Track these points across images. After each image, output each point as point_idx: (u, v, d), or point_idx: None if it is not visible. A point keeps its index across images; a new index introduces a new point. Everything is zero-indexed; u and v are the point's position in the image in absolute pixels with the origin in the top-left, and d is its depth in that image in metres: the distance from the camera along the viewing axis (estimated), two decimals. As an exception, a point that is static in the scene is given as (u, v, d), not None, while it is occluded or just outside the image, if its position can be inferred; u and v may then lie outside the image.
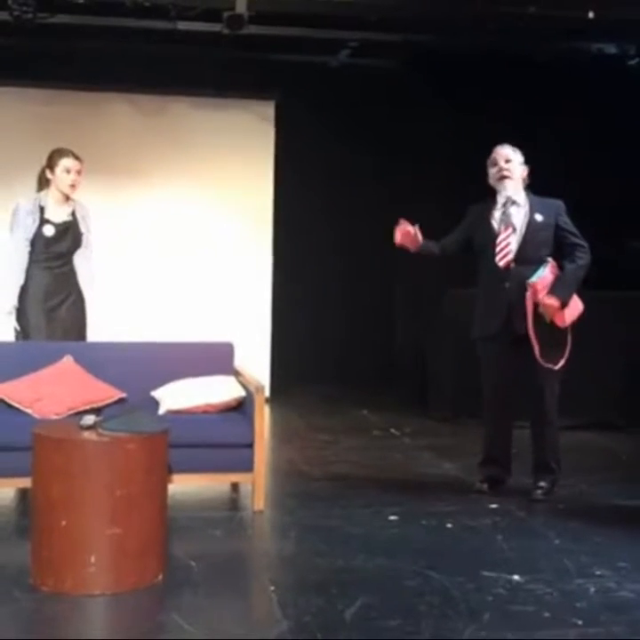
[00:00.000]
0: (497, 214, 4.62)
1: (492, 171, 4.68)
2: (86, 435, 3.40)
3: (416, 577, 3.49)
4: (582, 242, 4.58)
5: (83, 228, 5.09)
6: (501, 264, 4.53)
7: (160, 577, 3.41)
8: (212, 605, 3.23)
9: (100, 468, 3.30)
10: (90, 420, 3.51)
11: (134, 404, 4.32)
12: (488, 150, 7.91)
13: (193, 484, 4.46)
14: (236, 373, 4.74)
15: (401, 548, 3.86)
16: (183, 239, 7.42)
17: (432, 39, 6.90)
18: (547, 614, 3.17)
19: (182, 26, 6.42)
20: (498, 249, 4.54)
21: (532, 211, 4.59)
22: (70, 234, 5.04)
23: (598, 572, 3.58)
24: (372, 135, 7.91)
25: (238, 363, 4.84)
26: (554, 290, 4.45)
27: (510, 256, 4.53)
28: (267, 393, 5.61)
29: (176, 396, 4.50)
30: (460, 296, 6.78)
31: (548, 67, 7.34)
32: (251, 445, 4.29)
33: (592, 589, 3.41)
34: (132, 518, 3.32)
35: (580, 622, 3.11)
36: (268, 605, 3.26)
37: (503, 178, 4.62)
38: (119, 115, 7.32)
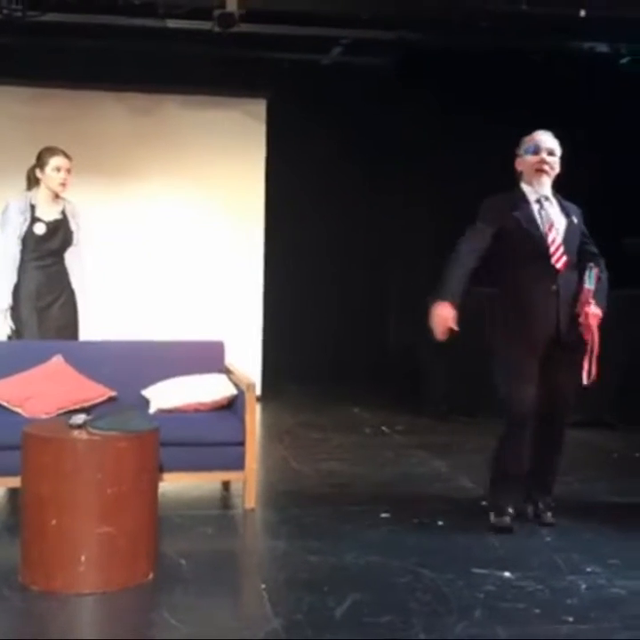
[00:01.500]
0: (535, 210, 4.11)
1: (531, 159, 4.14)
2: (76, 434, 3.39)
3: (407, 574, 3.49)
4: (597, 251, 4.22)
5: (73, 226, 5.08)
6: (559, 265, 4.02)
7: (151, 575, 3.41)
8: (203, 603, 3.22)
9: (90, 467, 3.29)
10: (80, 418, 3.50)
11: (125, 403, 4.32)
12: (479, 148, 7.94)
13: (184, 483, 4.45)
14: (228, 371, 4.73)
15: (392, 545, 3.86)
16: (175, 238, 7.41)
17: (424, 37, 6.89)
18: (537, 611, 3.17)
19: (173, 24, 6.39)
20: (553, 249, 4.02)
21: (565, 213, 4.16)
22: (61, 232, 5.03)
23: (589, 569, 3.59)
24: (364, 133, 7.91)
25: (229, 361, 4.83)
26: (598, 300, 4.05)
27: (565, 257, 4.04)
28: (258, 391, 5.61)
29: (167, 394, 4.49)
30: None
31: (540, 65, 7.35)
32: (242, 443, 4.28)
33: (583, 586, 3.41)
34: (123, 517, 3.31)
35: (570, 619, 3.11)
36: (258, 603, 3.25)
37: (542, 172, 4.12)
38: (109, 113, 7.29)
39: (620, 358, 6.56)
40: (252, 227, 7.53)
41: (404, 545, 3.87)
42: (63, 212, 5.05)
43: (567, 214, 4.14)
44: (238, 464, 4.28)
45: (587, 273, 4.05)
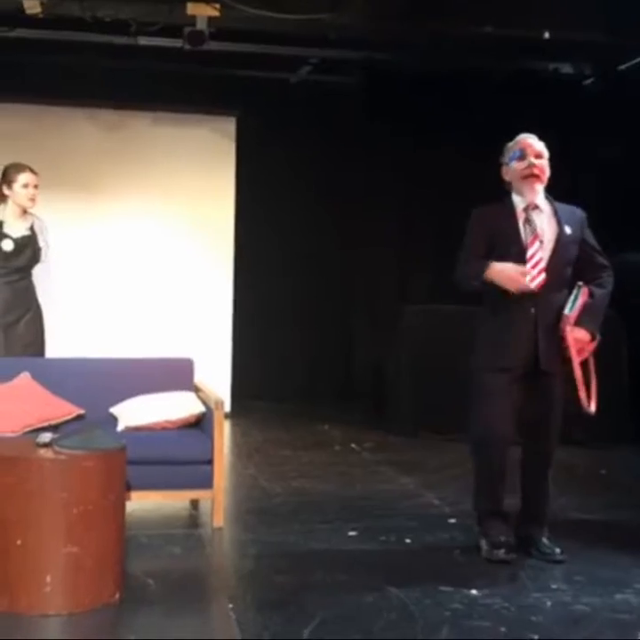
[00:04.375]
0: (520, 222, 3.81)
1: (519, 166, 3.84)
2: (42, 452, 3.36)
3: (374, 593, 3.50)
4: (607, 262, 3.90)
5: (41, 243, 5.07)
6: (534, 285, 3.71)
7: (117, 596, 3.38)
8: (170, 624, 3.21)
9: (56, 486, 3.26)
10: (46, 437, 3.48)
11: (93, 421, 4.30)
12: (447, 165, 8.01)
13: (152, 501, 4.42)
14: (196, 389, 4.73)
15: (360, 564, 3.87)
16: (143, 255, 7.40)
17: (390, 57, 6.98)
18: (503, 629, 3.19)
19: (143, 41, 6.41)
20: (530, 266, 3.72)
21: (560, 220, 3.82)
22: (29, 248, 5.01)
23: (554, 586, 3.62)
24: (332, 151, 7.96)
25: (198, 379, 4.83)
26: (584, 320, 3.73)
27: (543, 276, 3.72)
28: (227, 409, 5.60)
29: (135, 412, 4.48)
30: (415, 312, 6.85)
31: (506, 85, 7.45)
32: (210, 462, 4.27)
33: (548, 603, 3.44)
34: (89, 536, 3.28)
35: (536, 637, 3.13)
36: (226, 623, 3.24)
37: (533, 177, 3.80)
38: (78, 129, 7.28)
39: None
40: (222, 244, 7.53)
41: (371, 563, 3.88)
42: (31, 229, 5.04)
43: (559, 224, 3.81)
44: (206, 482, 4.27)
45: (573, 294, 3.78)
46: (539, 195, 3.85)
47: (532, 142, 3.90)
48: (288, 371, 8.03)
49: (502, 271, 3.72)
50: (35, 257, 5.03)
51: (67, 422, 4.36)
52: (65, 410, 4.43)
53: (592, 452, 6.24)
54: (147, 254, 7.40)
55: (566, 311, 3.73)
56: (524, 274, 3.70)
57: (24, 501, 3.24)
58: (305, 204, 8.01)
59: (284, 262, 8.00)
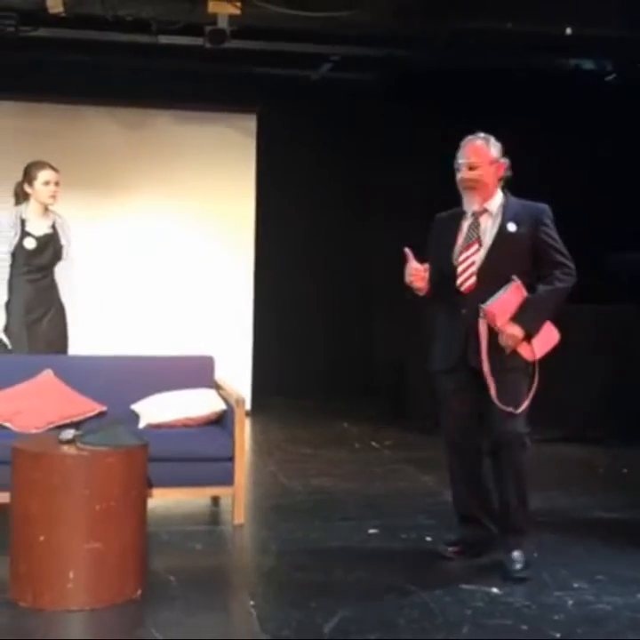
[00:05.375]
0: (465, 226, 3.81)
1: (457, 176, 3.84)
2: (65, 449, 3.40)
3: (395, 591, 3.50)
4: (567, 260, 3.76)
5: (63, 241, 5.09)
6: (462, 288, 3.72)
7: (139, 592, 3.40)
8: (191, 620, 3.22)
9: (78, 483, 3.29)
10: (69, 434, 3.50)
11: (114, 418, 4.32)
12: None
13: (173, 498, 4.45)
14: (217, 386, 4.74)
15: (380, 561, 3.87)
16: (165, 252, 7.43)
17: (411, 54, 6.96)
18: (524, 627, 3.19)
19: (164, 40, 6.44)
20: (460, 269, 3.73)
21: (504, 219, 3.76)
22: (51, 246, 5.04)
23: (576, 585, 3.61)
24: (353, 148, 7.96)
25: (219, 376, 4.84)
26: (518, 316, 3.65)
27: (473, 279, 3.71)
28: (247, 406, 5.62)
29: (156, 409, 4.50)
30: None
31: (527, 82, 7.42)
32: (231, 459, 4.29)
33: (570, 602, 3.43)
34: (112, 533, 3.31)
35: (557, 635, 3.12)
36: (247, 620, 3.26)
37: (466, 188, 3.79)
38: (100, 128, 7.32)
39: (604, 373, 6.61)
40: (243, 241, 7.55)
41: (392, 561, 3.88)
42: (53, 227, 5.07)
43: (502, 222, 3.74)
44: (227, 479, 4.29)
45: (502, 289, 3.67)
46: (476, 203, 3.78)
47: (468, 150, 3.80)
48: (308, 368, 8.03)
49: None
50: (57, 255, 5.06)
51: (89, 419, 4.38)
52: (87, 407, 4.46)
53: (612, 451, 6.22)
54: (168, 252, 7.43)
55: (485, 303, 3.66)
56: (410, 270, 3.75)
57: (47, 497, 3.27)
58: (325, 200, 8.01)
59: (305, 259, 8.01)
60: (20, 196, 5.03)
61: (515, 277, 3.69)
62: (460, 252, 3.77)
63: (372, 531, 4.30)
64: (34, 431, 4.22)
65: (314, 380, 8.01)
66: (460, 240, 3.79)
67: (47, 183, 4.98)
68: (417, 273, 3.75)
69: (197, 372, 4.75)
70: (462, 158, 3.80)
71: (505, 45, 6.45)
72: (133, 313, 7.22)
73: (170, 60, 6.94)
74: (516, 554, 3.71)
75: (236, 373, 6.38)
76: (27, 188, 5.01)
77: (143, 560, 3.50)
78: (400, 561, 3.88)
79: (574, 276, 3.76)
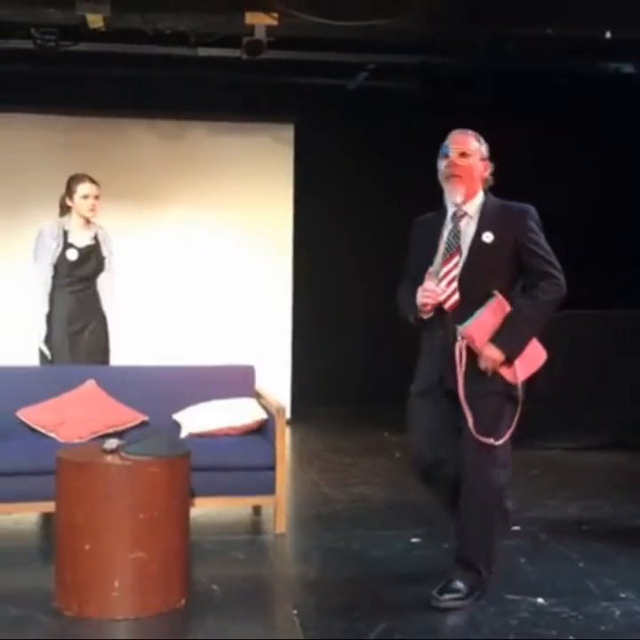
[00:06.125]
0: (445, 233, 3.45)
1: (441, 165, 3.50)
2: (109, 458, 3.42)
3: (439, 600, 3.47)
4: (554, 270, 3.36)
5: (105, 252, 5.14)
6: (446, 306, 3.36)
7: (183, 601, 3.42)
8: (236, 629, 3.23)
9: (122, 492, 3.31)
10: (113, 443, 3.53)
11: (157, 428, 4.35)
12: (507, 169, 7.92)
13: (214, 508, 4.46)
14: (257, 396, 4.76)
15: (423, 571, 3.84)
16: (204, 263, 7.47)
17: (449, 61, 6.94)
18: (571, 638, 3.15)
19: (202, 52, 6.49)
20: (444, 284, 3.36)
21: (480, 225, 3.39)
22: (93, 258, 5.09)
23: (623, 595, 3.55)
24: (390, 157, 7.94)
25: (259, 385, 4.86)
26: (497, 337, 3.28)
27: (456, 296, 3.34)
28: (287, 415, 5.62)
29: (198, 419, 4.52)
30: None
31: (566, 86, 7.36)
32: (272, 468, 4.29)
33: (617, 612, 3.38)
34: (155, 542, 3.33)
35: (605, 646, 3.09)
36: (291, 629, 3.26)
37: (453, 177, 3.44)
38: (140, 140, 7.40)
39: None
40: (281, 251, 7.57)
41: (435, 570, 3.84)
42: (95, 238, 5.12)
43: (480, 231, 3.39)
44: (269, 489, 4.29)
45: (481, 307, 3.31)
46: (459, 196, 3.43)
47: (460, 138, 3.51)
48: (348, 376, 8.01)
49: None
50: (99, 266, 5.12)
51: (131, 429, 4.42)
52: (129, 416, 4.50)
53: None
54: (207, 262, 7.48)
55: (463, 324, 3.29)
56: (427, 292, 3.36)
57: (92, 506, 3.30)
58: (363, 209, 8.00)
59: (343, 268, 8.00)
60: (64, 209, 5.09)
61: (496, 293, 3.33)
62: (442, 265, 3.39)
63: (414, 540, 4.28)
64: (78, 441, 4.26)
65: (353, 388, 7.99)
66: (441, 248, 3.44)
67: (86, 197, 5.03)
68: (434, 295, 3.36)
69: (238, 382, 4.77)
70: (454, 145, 3.49)
71: (544, 50, 6.40)
72: (174, 323, 7.27)
73: (208, 71, 6.99)
74: (459, 584, 3.40)
75: (277, 382, 6.40)
76: (68, 202, 5.07)
77: (187, 569, 3.51)
78: (443, 570, 3.83)
79: (562, 287, 3.37)
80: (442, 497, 3.63)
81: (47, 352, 4.96)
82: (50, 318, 4.99)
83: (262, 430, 4.54)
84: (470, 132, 3.57)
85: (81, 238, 5.08)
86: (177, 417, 4.57)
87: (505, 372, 3.33)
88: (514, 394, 3.37)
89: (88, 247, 5.09)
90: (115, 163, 7.00)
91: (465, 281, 3.35)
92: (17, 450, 4.20)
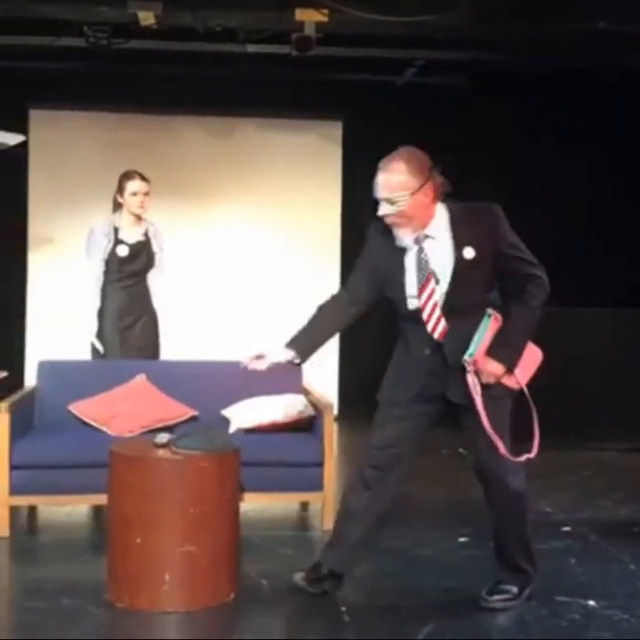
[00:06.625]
0: (412, 256, 3.25)
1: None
2: (161, 453, 3.45)
3: (488, 600, 3.45)
4: (535, 269, 3.25)
5: (156, 248, 5.19)
6: (436, 336, 3.24)
7: (232, 595, 3.44)
8: (284, 625, 3.25)
9: (173, 486, 3.34)
10: (164, 438, 3.56)
11: (208, 422, 4.38)
12: (558, 169, 7.83)
13: (262, 503, 4.48)
14: (305, 392, 4.77)
15: (471, 570, 3.83)
16: (251, 259, 7.50)
17: (498, 57, 6.87)
18: (624, 641, 3.12)
19: (251, 48, 6.51)
20: (425, 315, 3.22)
21: (458, 243, 3.19)
22: (144, 253, 5.14)
23: (677, 599, 3.51)
24: (439, 153, 7.87)
25: (307, 381, 4.86)
26: (494, 351, 3.19)
27: (443, 323, 3.21)
28: (335, 411, 5.62)
29: (246, 414, 4.54)
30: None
31: (619, 84, 7.24)
32: (320, 464, 4.30)
33: (670, 616, 3.34)
34: (205, 536, 3.35)
35: (658, 650, 3.04)
36: (339, 626, 3.26)
37: (392, 224, 3.26)
38: (189, 137, 7.45)
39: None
40: (329, 247, 7.57)
41: (483, 570, 3.81)
42: (146, 234, 5.17)
43: (457, 248, 3.20)
44: (316, 485, 4.30)
45: (480, 327, 3.20)
46: (408, 236, 3.24)
47: (381, 181, 3.25)
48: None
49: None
50: (149, 262, 5.16)
51: (181, 423, 4.45)
52: (179, 411, 4.54)
53: None
54: (254, 258, 7.50)
55: (468, 353, 3.18)
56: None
57: (143, 500, 3.33)
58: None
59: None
60: (116, 205, 5.14)
61: (491, 311, 3.22)
62: (419, 293, 3.23)
63: (461, 539, 4.25)
64: (128, 435, 4.31)
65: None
66: (411, 274, 3.25)
67: (134, 194, 5.07)
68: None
69: (286, 378, 4.76)
70: (378, 193, 3.24)
71: (596, 46, 6.30)
72: (223, 319, 7.32)
73: (257, 68, 7.01)
74: (508, 585, 3.42)
75: (324, 379, 6.40)
76: (119, 198, 5.12)
77: (236, 564, 3.53)
78: (491, 570, 3.81)
79: (547, 285, 3.26)
80: (377, 504, 3.45)
81: (99, 347, 5.03)
82: (101, 313, 5.06)
83: (310, 427, 4.54)
84: (392, 169, 3.25)
85: (131, 234, 5.13)
86: (225, 412, 4.60)
87: (507, 381, 3.27)
88: (517, 395, 3.32)
89: (138, 243, 5.13)
90: (164, 160, 7.05)
91: (453, 301, 3.20)
92: (69, 443, 4.26)
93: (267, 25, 6.07)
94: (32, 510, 4.50)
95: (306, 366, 4.83)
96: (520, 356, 3.25)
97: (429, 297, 3.22)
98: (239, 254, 7.49)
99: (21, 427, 4.30)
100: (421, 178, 3.21)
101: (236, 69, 7.05)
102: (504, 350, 3.21)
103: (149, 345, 5.13)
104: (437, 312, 3.22)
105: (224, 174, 7.43)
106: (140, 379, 4.63)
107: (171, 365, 4.93)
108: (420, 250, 3.23)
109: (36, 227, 7.38)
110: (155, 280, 5.18)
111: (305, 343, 3.52)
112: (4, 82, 6.92)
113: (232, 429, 4.48)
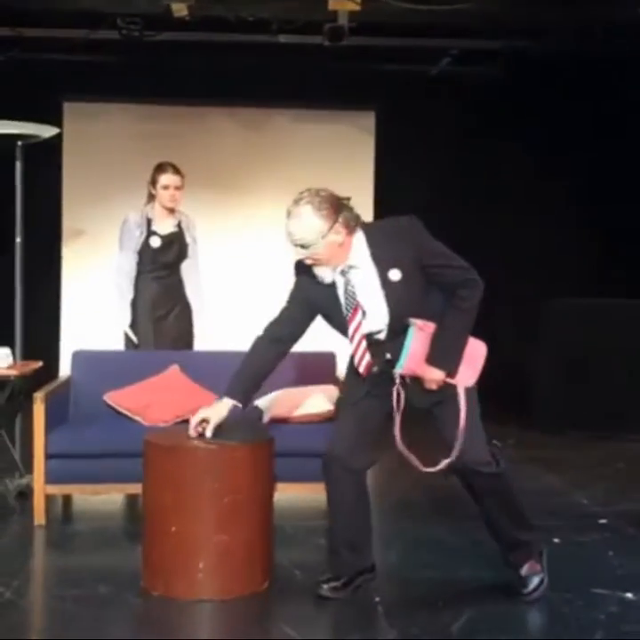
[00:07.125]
0: (341, 288, 3.26)
1: None
2: (195, 442, 3.46)
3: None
4: (464, 271, 3.24)
5: (188, 239, 5.19)
6: (361, 370, 3.29)
7: (265, 584, 3.45)
8: (318, 615, 3.24)
9: (208, 475, 3.35)
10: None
11: (239, 413, 4.38)
12: (597, 154, 7.71)
13: (295, 493, 4.48)
14: (338, 383, 4.75)
15: (507, 561, 3.79)
16: (283, 251, 7.47)
17: (533, 46, 6.80)
18: (663, 635, 3.07)
19: (283, 39, 6.51)
20: (353, 349, 3.29)
21: (381, 268, 3.16)
22: (176, 245, 5.14)
23: None
24: (473, 143, 7.82)
25: (340, 372, 4.85)
26: (433, 358, 3.20)
27: (368, 358, 3.25)
28: (368, 403, 5.60)
29: (279, 404, 4.54)
30: (562, 306, 6.69)
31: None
32: (353, 455, 4.28)
33: None
34: (239, 525, 3.36)
35: (698, 644, 3.00)
36: (373, 616, 3.25)
37: (312, 264, 3.30)
38: (221, 128, 7.47)
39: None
40: (361, 238, 7.54)
41: (519, 562, 3.79)
42: (179, 225, 5.17)
43: (382, 273, 3.17)
44: (350, 475, 4.27)
45: (405, 343, 3.19)
46: (327, 271, 3.25)
47: (290, 229, 3.31)
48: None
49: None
50: (182, 253, 5.17)
51: (214, 413, 4.45)
52: (212, 401, 4.53)
53: None
54: (286, 249, 7.48)
55: (397, 368, 3.20)
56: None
57: (178, 489, 3.34)
58: (447, 198, 7.87)
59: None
60: (150, 196, 5.15)
61: (412, 321, 3.20)
62: (348, 325, 3.26)
63: (497, 530, 4.21)
64: (162, 424, 4.33)
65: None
66: (343, 307, 3.27)
67: (166, 188, 5.04)
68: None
69: (320, 368, 4.76)
70: (288, 239, 3.30)
71: (635, 33, 6.21)
72: (256, 310, 7.29)
73: (289, 58, 7.00)
74: (525, 570, 3.38)
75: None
76: (151, 190, 5.12)
77: (269, 553, 3.54)
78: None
79: (479, 284, 3.27)
80: (342, 498, 3.48)
81: (133, 337, 5.05)
82: (135, 304, 5.08)
83: (343, 417, 4.52)
84: (299, 210, 3.25)
85: (164, 226, 5.14)
86: (259, 402, 4.59)
87: (454, 382, 3.27)
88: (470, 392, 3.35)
89: (171, 234, 5.14)
90: (196, 152, 7.08)
91: (396, 324, 3.19)
92: (104, 432, 4.28)
93: (299, 15, 6.06)
94: (67, 499, 4.54)
95: (340, 357, 4.86)
96: (459, 359, 3.25)
97: (356, 330, 3.23)
98: (273, 245, 7.47)
99: (56, 417, 4.33)
100: (330, 219, 3.19)
101: (269, 60, 7.05)
102: (441, 356, 3.21)
103: (183, 335, 5.14)
104: (363, 345, 3.23)
105: (255, 165, 7.44)
106: (174, 369, 4.64)
107: (204, 356, 4.94)
108: (347, 281, 3.22)
109: (69, 219, 7.45)
110: (188, 271, 5.19)
111: (244, 389, 3.57)
112: (38, 75, 6.98)
113: (265, 419, 4.48)
